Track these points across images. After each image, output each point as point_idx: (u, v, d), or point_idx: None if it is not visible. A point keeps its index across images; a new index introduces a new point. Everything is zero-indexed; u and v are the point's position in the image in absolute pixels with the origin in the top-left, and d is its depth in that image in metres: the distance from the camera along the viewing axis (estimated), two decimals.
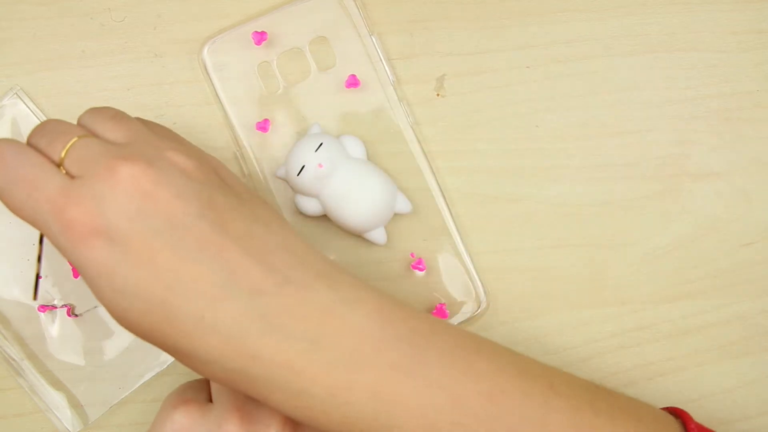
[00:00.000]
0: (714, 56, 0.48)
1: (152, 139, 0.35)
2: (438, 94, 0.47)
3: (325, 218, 0.45)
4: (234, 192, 0.35)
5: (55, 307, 0.46)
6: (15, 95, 0.46)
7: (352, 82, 0.46)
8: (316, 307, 0.32)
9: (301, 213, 0.45)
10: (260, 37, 0.46)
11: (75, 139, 0.34)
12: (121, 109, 0.46)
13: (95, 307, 0.46)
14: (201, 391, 0.38)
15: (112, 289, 0.31)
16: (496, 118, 0.47)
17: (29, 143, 0.35)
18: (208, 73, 0.46)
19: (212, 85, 0.46)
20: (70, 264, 0.34)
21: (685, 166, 0.47)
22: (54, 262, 0.46)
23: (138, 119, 0.37)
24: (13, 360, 0.45)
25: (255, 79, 0.46)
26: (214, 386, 0.38)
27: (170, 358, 0.46)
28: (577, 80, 0.47)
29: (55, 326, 0.46)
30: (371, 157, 0.46)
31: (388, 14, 0.47)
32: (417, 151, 0.46)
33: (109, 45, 0.47)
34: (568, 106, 0.47)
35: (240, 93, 0.46)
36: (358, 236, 0.46)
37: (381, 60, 0.46)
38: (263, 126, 0.46)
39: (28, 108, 0.46)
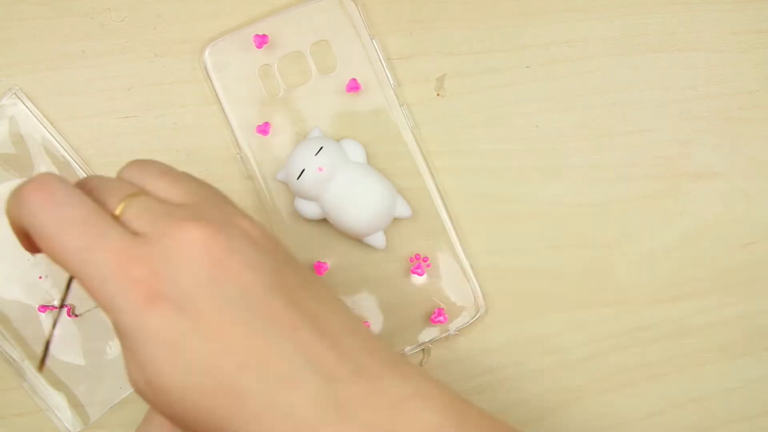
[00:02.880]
0: (714, 56, 0.48)
1: (215, 202, 0.32)
2: (438, 94, 0.47)
3: (324, 222, 0.45)
4: (299, 269, 0.32)
5: (55, 307, 0.46)
6: (14, 95, 0.46)
7: (353, 86, 0.46)
8: (390, 398, 0.30)
9: (300, 216, 0.45)
10: (261, 40, 0.46)
11: (130, 193, 0.31)
12: (121, 109, 0.46)
13: (95, 307, 0.46)
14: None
15: (174, 362, 0.28)
16: (496, 118, 0.47)
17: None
18: (209, 76, 0.46)
19: (213, 87, 0.46)
20: (118, 328, 0.29)
21: (685, 166, 0.47)
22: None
23: (189, 176, 0.34)
24: (14, 360, 0.45)
25: (256, 82, 0.46)
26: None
27: None
28: (577, 80, 0.47)
29: (56, 326, 0.46)
30: (370, 158, 0.46)
31: (388, 14, 0.47)
32: (416, 154, 0.46)
33: (109, 45, 0.47)
34: (568, 106, 0.47)
35: (241, 96, 0.46)
36: (357, 240, 0.46)
37: (382, 64, 0.46)
38: (264, 129, 0.46)
39: (28, 108, 0.46)
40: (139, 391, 0.30)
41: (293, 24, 0.46)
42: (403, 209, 0.45)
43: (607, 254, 0.47)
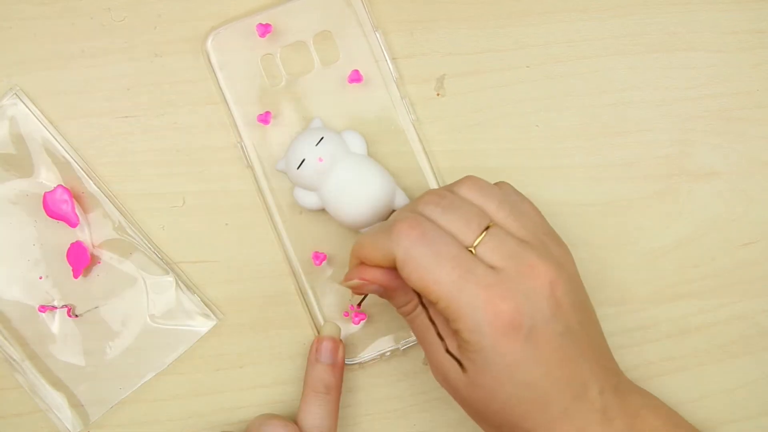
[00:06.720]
0: (714, 56, 0.48)
1: (546, 235, 0.39)
2: (438, 94, 0.47)
3: (323, 212, 0.45)
4: (588, 300, 0.40)
5: (55, 308, 0.46)
6: (14, 95, 0.46)
7: (355, 78, 0.46)
8: (633, 409, 0.39)
9: (299, 206, 0.45)
10: (265, 29, 0.46)
11: (486, 227, 0.37)
12: (122, 109, 0.46)
13: (96, 307, 0.46)
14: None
15: (509, 377, 0.36)
16: (496, 118, 0.47)
17: (432, 215, 0.38)
18: (210, 64, 0.46)
19: (214, 74, 0.46)
20: (469, 345, 0.36)
21: (685, 166, 0.47)
22: (54, 262, 0.46)
23: (525, 209, 0.40)
24: (14, 360, 0.45)
25: (258, 71, 0.46)
26: None
27: (170, 359, 0.46)
28: (577, 80, 0.47)
29: (56, 326, 0.46)
30: (370, 150, 0.46)
31: (389, 13, 0.47)
32: (418, 150, 0.46)
33: (109, 45, 0.47)
34: (568, 106, 0.47)
35: (242, 84, 0.46)
36: (356, 231, 0.46)
37: (384, 56, 0.46)
38: (264, 118, 0.46)
39: (28, 108, 0.46)
40: (453, 387, 0.38)
41: (297, 14, 0.46)
42: (402, 201, 0.45)
43: (607, 254, 0.47)
